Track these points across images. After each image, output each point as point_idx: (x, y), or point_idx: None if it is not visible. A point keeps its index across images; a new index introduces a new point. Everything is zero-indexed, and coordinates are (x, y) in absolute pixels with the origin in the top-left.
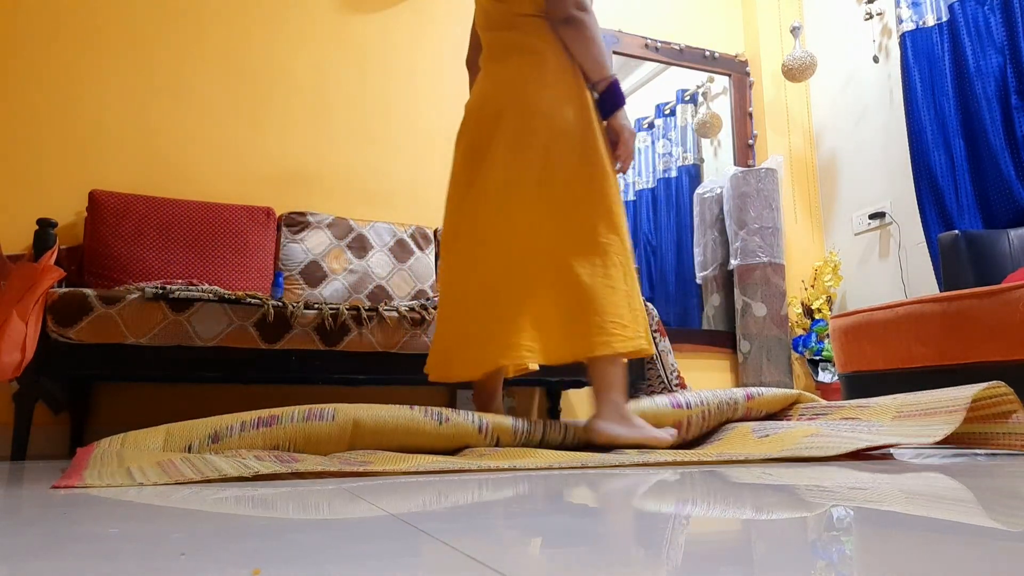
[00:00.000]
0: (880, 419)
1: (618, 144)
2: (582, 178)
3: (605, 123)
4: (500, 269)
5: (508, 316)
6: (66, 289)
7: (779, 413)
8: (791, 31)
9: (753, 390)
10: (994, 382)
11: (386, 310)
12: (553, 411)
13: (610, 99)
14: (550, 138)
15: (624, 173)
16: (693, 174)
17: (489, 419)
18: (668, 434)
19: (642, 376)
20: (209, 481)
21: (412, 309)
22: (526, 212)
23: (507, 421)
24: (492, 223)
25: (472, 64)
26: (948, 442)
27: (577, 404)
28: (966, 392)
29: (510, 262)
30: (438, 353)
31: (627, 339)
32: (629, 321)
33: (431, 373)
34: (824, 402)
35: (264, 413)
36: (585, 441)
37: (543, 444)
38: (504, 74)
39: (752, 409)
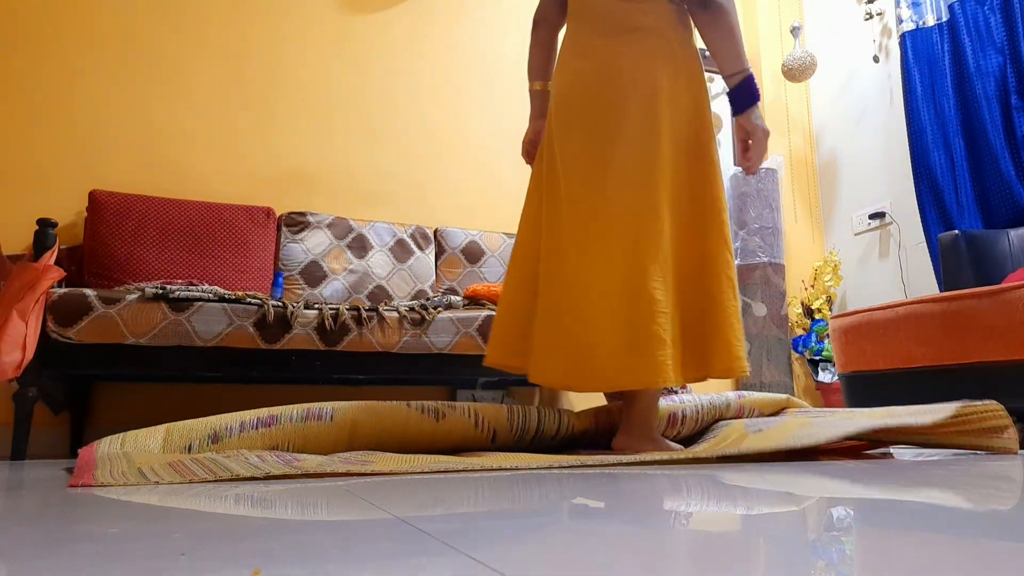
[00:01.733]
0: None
1: (750, 144)
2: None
3: (733, 119)
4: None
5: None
6: (66, 289)
7: (770, 415)
8: (791, 31)
9: (743, 392)
10: (988, 400)
11: (386, 310)
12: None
13: (745, 94)
14: (672, 132)
15: (753, 174)
16: None
17: (484, 414)
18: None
19: None
20: (220, 480)
21: (412, 309)
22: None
23: (503, 414)
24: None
25: (545, 22)
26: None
27: (577, 405)
28: (955, 404)
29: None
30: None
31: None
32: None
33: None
34: (816, 409)
35: (263, 413)
36: (580, 431)
37: (538, 436)
38: (624, 53)
39: (744, 407)
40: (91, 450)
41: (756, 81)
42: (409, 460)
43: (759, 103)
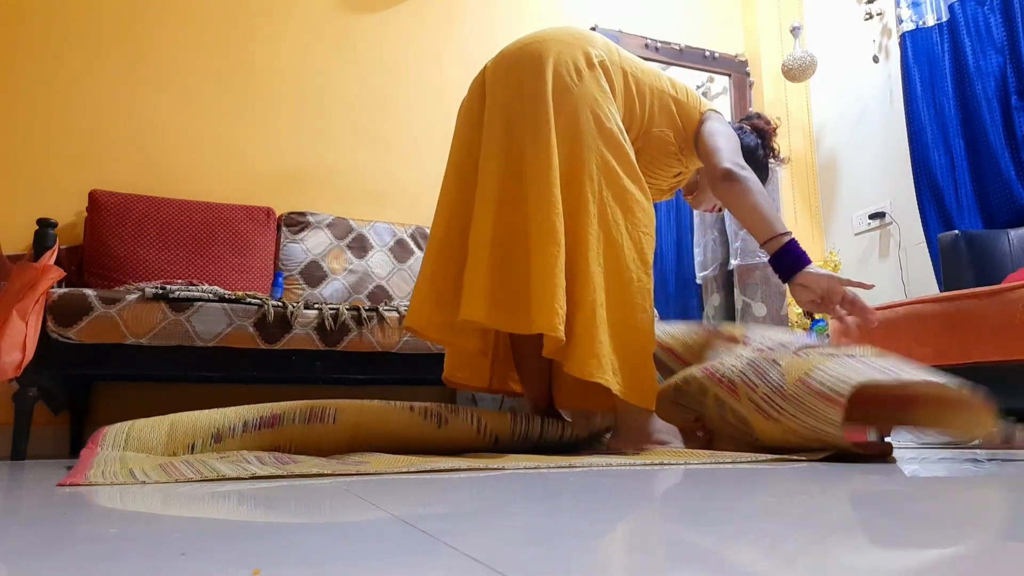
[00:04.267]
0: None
1: (831, 308)
2: None
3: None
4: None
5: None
6: (66, 289)
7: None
8: (791, 31)
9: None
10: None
11: (386, 310)
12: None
13: (787, 261)
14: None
15: (872, 324)
16: None
17: (487, 419)
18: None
19: None
20: (207, 480)
21: None
22: None
23: (506, 420)
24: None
25: None
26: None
27: None
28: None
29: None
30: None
31: None
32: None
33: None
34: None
35: (266, 412)
36: (584, 438)
37: (542, 440)
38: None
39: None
40: (96, 440)
41: (798, 245)
42: (403, 461)
43: (809, 265)
